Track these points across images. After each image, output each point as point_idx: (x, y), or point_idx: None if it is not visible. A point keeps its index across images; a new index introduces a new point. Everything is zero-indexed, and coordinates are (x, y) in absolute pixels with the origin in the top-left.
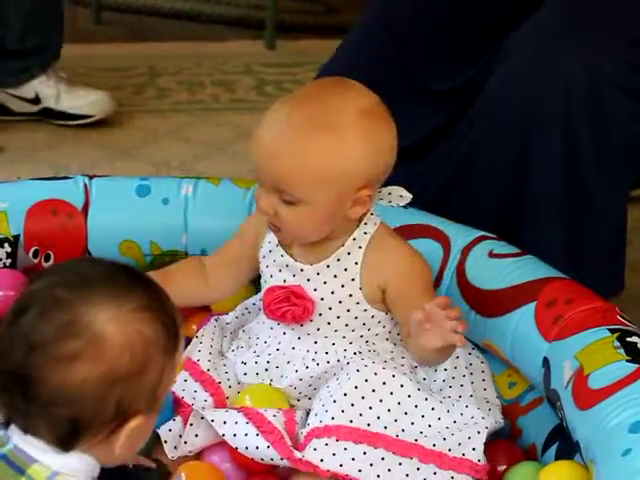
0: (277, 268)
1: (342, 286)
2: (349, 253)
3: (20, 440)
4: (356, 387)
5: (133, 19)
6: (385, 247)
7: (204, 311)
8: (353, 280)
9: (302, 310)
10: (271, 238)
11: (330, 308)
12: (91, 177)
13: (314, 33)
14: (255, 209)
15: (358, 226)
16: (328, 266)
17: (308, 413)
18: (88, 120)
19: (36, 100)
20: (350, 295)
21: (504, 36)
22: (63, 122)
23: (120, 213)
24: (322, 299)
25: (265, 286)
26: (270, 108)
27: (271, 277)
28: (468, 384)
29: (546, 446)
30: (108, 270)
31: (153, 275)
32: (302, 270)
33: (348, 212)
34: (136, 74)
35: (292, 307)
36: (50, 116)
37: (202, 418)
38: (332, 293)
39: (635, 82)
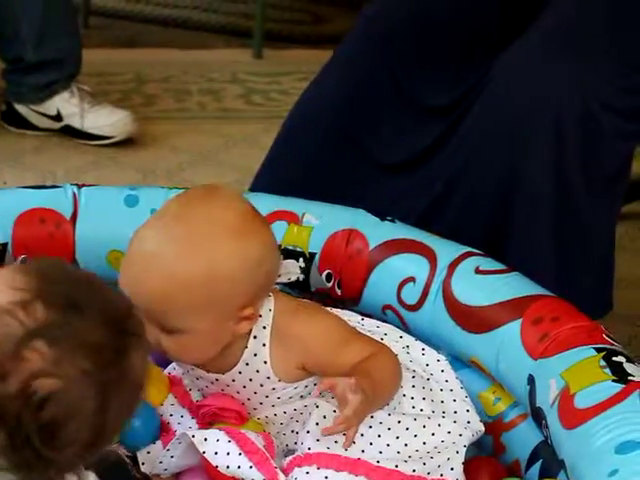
0: (194, 377)
1: (261, 385)
2: (255, 354)
3: None
4: (325, 417)
5: (121, 25)
6: (287, 332)
7: None
8: (269, 378)
9: (235, 418)
10: None
11: (261, 403)
12: (80, 186)
13: (301, 43)
14: None
15: (255, 322)
16: (240, 372)
17: (285, 449)
18: (108, 141)
19: (58, 117)
20: (273, 389)
21: (497, 53)
22: (84, 141)
23: (108, 223)
24: (249, 399)
25: (192, 387)
26: (137, 230)
27: (192, 382)
28: (438, 391)
29: (530, 463)
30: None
31: None
32: (217, 379)
33: (235, 329)
34: (123, 80)
35: (225, 418)
36: (72, 134)
37: (180, 443)
38: (255, 393)
39: (625, 103)
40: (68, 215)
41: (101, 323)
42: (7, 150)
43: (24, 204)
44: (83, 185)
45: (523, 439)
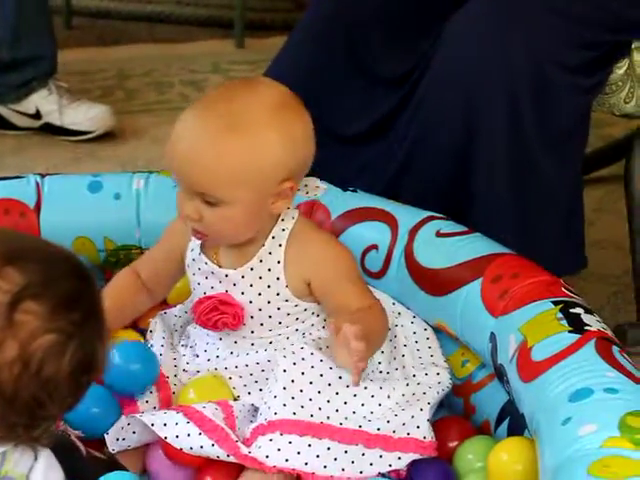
0: (203, 276)
1: (268, 286)
2: (270, 253)
3: None
4: (293, 381)
5: (103, 24)
6: (305, 241)
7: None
8: (278, 279)
9: (232, 317)
10: (194, 246)
11: (260, 309)
12: (43, 175)
13: (283, 30)
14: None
15: (276, 223)
16: (252, 269)
17: (250, 409)
18: (89, 136)
19: (37, 115)
20: (278, 294)
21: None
22: (64, 138)
23: (73, 210)
24: (251, 302)
25: (194, 294)
26: (183, 112)
27: (199, 284)
28: (409, 359)
29: (499, 422)
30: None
31: None
32: (227, 276)
33: (271, 208)
34: (104, 77)
35: (222, 315)
36: (51, 131)
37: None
38: (259, 295)
39: (577, 58)
40: (32, 204)
41: (69, 273)
42: None
43: None
44: (46, 174)
45: (491, 399)
